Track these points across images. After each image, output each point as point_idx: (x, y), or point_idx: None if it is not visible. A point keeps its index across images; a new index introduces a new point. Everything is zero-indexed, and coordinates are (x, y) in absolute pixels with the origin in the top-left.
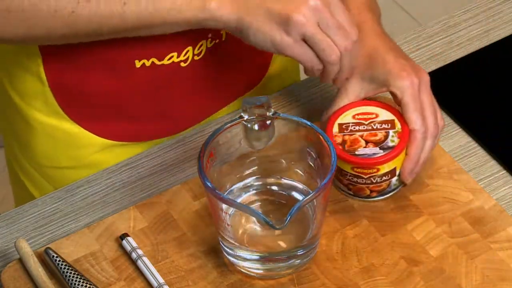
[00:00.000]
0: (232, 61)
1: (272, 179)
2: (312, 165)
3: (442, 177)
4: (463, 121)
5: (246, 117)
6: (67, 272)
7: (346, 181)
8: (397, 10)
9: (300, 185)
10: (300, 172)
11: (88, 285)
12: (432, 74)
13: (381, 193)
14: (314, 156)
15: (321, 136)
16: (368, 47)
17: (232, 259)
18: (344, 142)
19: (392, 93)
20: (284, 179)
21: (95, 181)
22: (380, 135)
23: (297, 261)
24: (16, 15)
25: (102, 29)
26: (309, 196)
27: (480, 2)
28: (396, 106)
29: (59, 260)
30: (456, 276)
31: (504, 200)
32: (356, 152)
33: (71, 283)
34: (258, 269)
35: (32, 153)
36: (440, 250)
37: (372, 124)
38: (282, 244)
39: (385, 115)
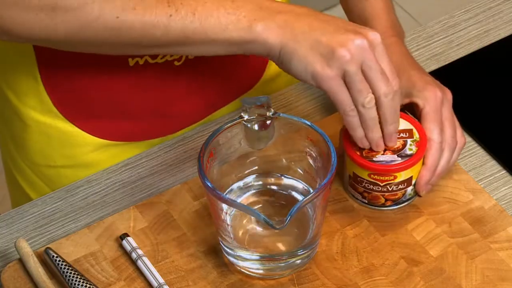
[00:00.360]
0: (227, 62)
1: (272, 179)
2: (312, 165)
3: (442, 177)
4: (463, 121)
5: (246, 117)
6: (67, 272)
7: (362, 189)
8: (397, 10)
9: (300, 185)
10: (300, 172)
11: (88, 285)
12: (432, 74)
13: (396, 202)
14: (314, 156)
15: (321, 136)
16: (394, 64)
17: (232, 259)
18: (362, 148)
19: (414, 104)
20: (284, 179)
21: (95, 181)
22: (398, 143)
23: (297, 261)
24: (60, 15)
25: (144, 39)
26: (309, 196)
27: (480, 2)
28: (415, 119)
29: (59, 260)
30: (456, 276)
31: (504, 200)
32: (374, 159)
33: (71, 283)
34: (258, 269)
35: (27, 152)
36: (440, 250)
37: None
38: (282, 244)
39: (403, 124)
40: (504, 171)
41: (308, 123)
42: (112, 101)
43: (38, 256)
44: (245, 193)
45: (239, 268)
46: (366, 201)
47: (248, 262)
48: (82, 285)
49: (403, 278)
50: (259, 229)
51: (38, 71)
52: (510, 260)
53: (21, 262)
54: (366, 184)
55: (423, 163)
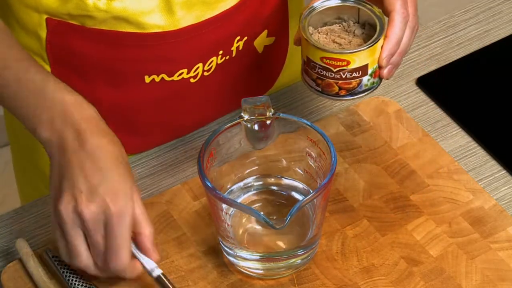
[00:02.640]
0: (240, 75)
1: (272, 179)
2: (312, 165)
3: (442, 177)
4: (463, 121)
5: (246, 117)
6: (67, 272)
7: (315, 75)
8: None
9: (300, 185)
10: (300, 172)
11: (88, 285)
12: (432, 74)
13: (351, 92)
14: (314, 156)
15: (321, 136)
16: None
17: (232, 259)
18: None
19: None
20: (284, 179)
21: None
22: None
23: (297, 261)
24: None
25: None
26: (309, 196)
27: (480, 2)
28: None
29: (59, 260)
30: (456, 276)
31: (504, 200)
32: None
33: (71, 283)
34: (258, 269)
35: (41, 166)
36: (440, 250)
37: None
38: (282, 244)
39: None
40: (504, 171)
41: (308, 123)
42: (126, 115)
43: (38, 256)
44: (245, 193)
45: (239, 268)
46: (320, 89)
47: (248, 262)
48: (82, 285)
49: (403, 278)
50: (259, 229)
51: None
52: (510, 260)
53: (21, 262)
54: (319, 70)
55: (385, 37)
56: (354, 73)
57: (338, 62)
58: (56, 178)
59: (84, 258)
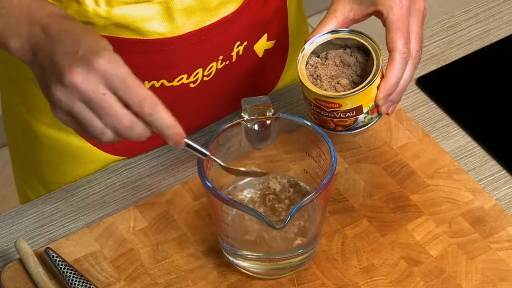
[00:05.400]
0: (240, 80)
1: (272, 179)
2: (312, 165)
3: (442, 177)
4: (463, 121)
5: (246, 117)
6: (67, 272)
7: (312, 110)
8: None
9: (300, 185)
10: (300, 172)
11: (88, 285)
12: (432, 74)
13: (348, 128)
14: (314, 156)
15: (321, 136)
16: None
17: (232, 259)
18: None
19: (379, 13)
20: (284, 179)
21: (95, 181)
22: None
23: (297, 261)
24: None
25: None
26: (309, 196)
27: (480, 2)
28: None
29: (59, 260)
30: (456, 276)
31: (504, 200)
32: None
33: (71, 283)
34: (258, 269)
35: (39, 168)
36: (440, 250)
37: None
38: (282, 244)
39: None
40: (504, 171)
41: (308, 123)
42: None
43: (38, 256)
44: (245, 193)
45: (239, 268)
46: (318, 123)
47: (248, 262)
48: (82, 285)
49: (403, 278)
50: (259, 229)
51: None
52: (510, 260)
53: (21, 262)
54: (314, 107)
55: (384, 76)
56: (348, 113)
57: (330, 104)
58: (42, 81)
59: (122, 115)
